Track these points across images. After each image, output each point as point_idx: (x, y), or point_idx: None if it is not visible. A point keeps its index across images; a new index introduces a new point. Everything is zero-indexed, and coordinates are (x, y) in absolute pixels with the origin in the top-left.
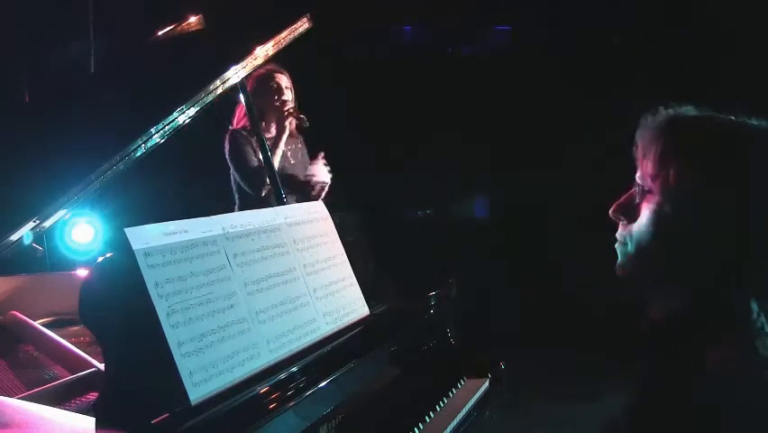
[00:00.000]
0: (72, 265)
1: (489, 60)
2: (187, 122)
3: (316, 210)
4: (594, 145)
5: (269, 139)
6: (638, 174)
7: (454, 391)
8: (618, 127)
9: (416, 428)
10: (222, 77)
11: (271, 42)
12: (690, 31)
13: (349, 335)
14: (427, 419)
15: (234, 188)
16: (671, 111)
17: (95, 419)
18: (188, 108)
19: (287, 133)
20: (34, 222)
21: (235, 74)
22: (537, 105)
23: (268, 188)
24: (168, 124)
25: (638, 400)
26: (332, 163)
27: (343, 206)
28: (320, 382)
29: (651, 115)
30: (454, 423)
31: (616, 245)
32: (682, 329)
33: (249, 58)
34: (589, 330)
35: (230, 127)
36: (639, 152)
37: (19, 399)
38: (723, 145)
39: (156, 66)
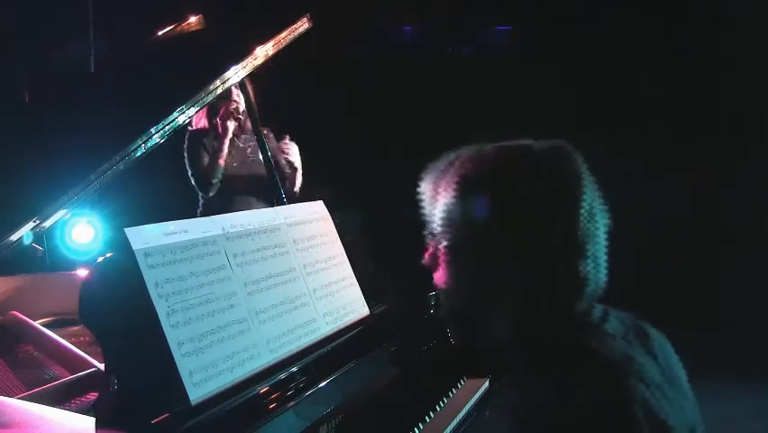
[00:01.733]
0: (72, 265)
1: (489, 60)
2: (186, 122)
3: (316, 210)
4: (594, 145)
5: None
6: (427, 218)
7: (454, 391)
8: (618, 127)
9: (415, 428)
10: (222, 77)
11: (271, 42)
12: (690, 31)
13: (349, 335)
14: (427, 419)
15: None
16: (451, 154)
17: (95, 419)
18: (188, 108)
19: (229, 133)
20: (34, 222)
21: (235, 74)
22: (537, 106)
23: (215, 188)
24: (168, 124)
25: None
26: (332, 163)
27: (343, 206)
28: (320, 382)
29: (433, 162)
30: (454, 423)
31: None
32: (510, 357)
33: (249, 58)
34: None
35: (189, 128)
36: (425, 200)
37: (19, 399)
38: (495, 172)
39: (156, 66)
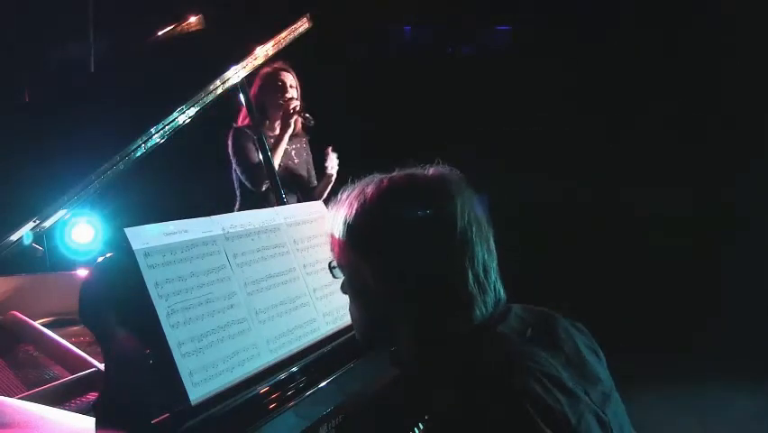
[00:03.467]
0: (72, 265)
1: (489, 60)
2: (186, 122)
3: (316, 210)
4: (594, 145)
5: (272, 137)
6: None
7: None
8: (618, 128)
9: (415, 428)
10: (222, 77)
11: (271, 42)
12: (690, 30)
13: (349, 335)
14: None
15: (236, 185)
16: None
17: (95, 419)
18: (188, 108)
19: (290, 131)
20: (34, 222)
21: (235, 74)
22: (537, 106)
23: (267, 184)
24: (168, 124)
25: None
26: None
27: None
28: (320, 382)
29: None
30: None
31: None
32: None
33: (249, 58)
34: (589, 330)
35: (234, 125)
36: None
37: (19, 399)
38: (367, 208)
39: (156, 66)
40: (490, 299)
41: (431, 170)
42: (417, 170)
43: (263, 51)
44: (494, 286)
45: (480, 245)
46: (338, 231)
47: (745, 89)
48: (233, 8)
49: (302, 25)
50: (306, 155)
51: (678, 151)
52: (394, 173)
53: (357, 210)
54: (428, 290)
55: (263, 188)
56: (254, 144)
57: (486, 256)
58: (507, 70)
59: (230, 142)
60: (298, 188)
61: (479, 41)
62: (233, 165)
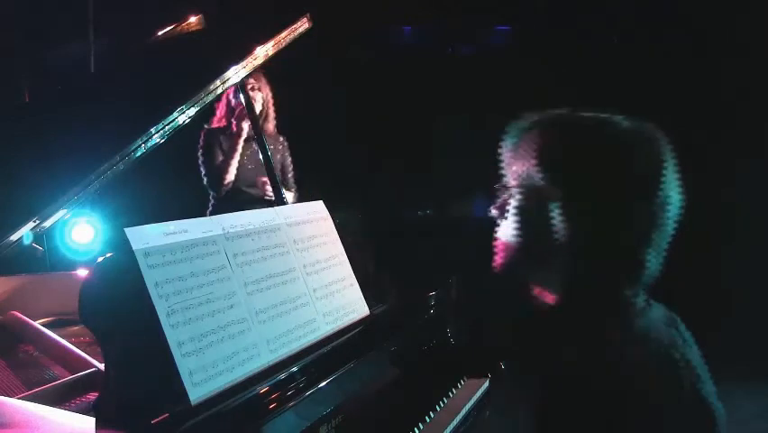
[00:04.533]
0: (72, 265)
1: (489, 60)
2: (186, 122)
3: (316, 210)
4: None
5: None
6: (502, 172)
7: (454, 391)
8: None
9: (415, 428)
10: (222, 77)
11: (271, 42)
12: (690, 30)
13: (349, 335)
14: (427, 419)
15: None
16: (534, 115)
17: (95, 419)
18: (188, 108)
19: (243, 134)
20: (34, 222)
21: (235, 74)
22: (537, 106)
23: (227, 187)
24: (168, 124)
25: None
26: (332, 163)
27: (343, 206)
28: (320, 382)
29: (516, 120)
30: (454, 423)
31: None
32: (562, 319)
33: (249, 58)
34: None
35: (205, 126)
36: (504, 155)
37: (19, 399)
38: (572, 143)
39: (156, 66)
40: (651, 276)
41: (634, 122)
42: (622, 120)
43: (263, 51)
44: (659, 265)
45: (670, 218)
46: (529, 157)
47: (744, 89)
48: (233, 8)
49: (302, 25)
50: (281, 157)
51: (678, 150)
52: (595, 115)
53: (559, 145)
54: (613, 241)
55: (222, 193)
56: (221, 147)
57: (668, 231)
58: (507, 70)
59: (200, 144)
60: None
61: (479, 41)
62: (200, 166)
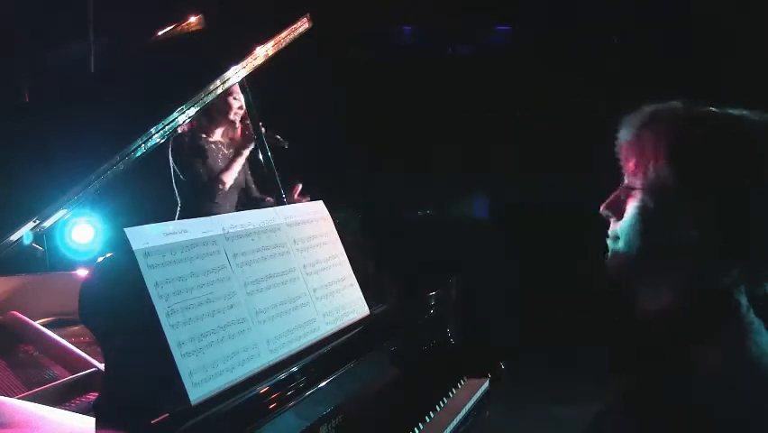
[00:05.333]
0: (72, 265)
1: (489, 60)
2: (186, 122)
3: (316, 210)
4: (595, 145)
5: (214, 142)
6: (624, 172)
7: (454, 391)
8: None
9: (415, 428)
10: (222, 77)
11: (271, 42)
12: (690, 30)
13: (349, 335)
14: (427, 419)
15: (176, 190)
16: (652, 107)
17: (95, 419)
18: (188, 108)
19: (248, 151)
20: (34, 222)
21: (235, 74)
22: (537, 106)
23: (222, 191)
24: (168, 124)
25: (624, 399)
26: (332, 163)
27: (344, 206)
28: (320, 382)
29: (634, 113)
30: (454, 423)
31: (607, 241)
32: (671, 326)
33: (249, 58)
34: (590, 330)
35: (180, 131)
36: (623, 150)
37: (19, 399)
38: (706, 140)
39: (156, 66)
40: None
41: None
42: (747, 114)
43: (263, 51)
44: None
45: None
46: (666, 156)
47: (744, 89)
48: (233, 8)
49: (302, 25)
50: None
51: None
52: (720, 111)
53: (706, 149)
54: (742, 252)
55: (216, 199)
56: (221, 151)
57: None
58: (507, 70)
59: (176, 149)
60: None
61: (479, 41)
62: (176, 171)
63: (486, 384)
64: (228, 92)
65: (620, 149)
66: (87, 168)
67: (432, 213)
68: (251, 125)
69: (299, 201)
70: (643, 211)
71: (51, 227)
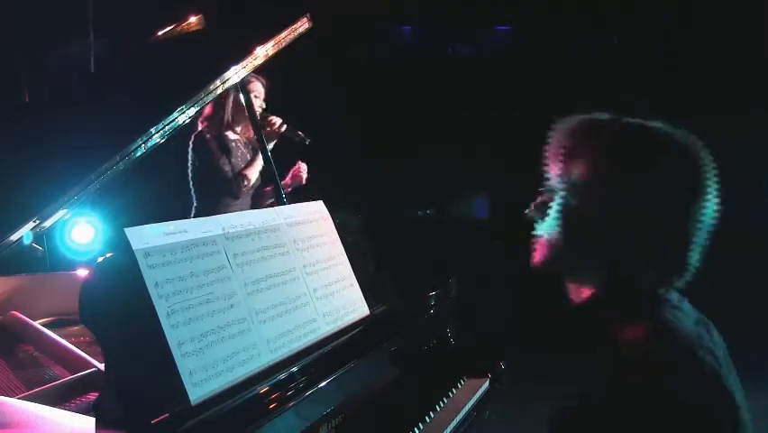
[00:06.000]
0: (72, 265)
1: (489, 60)
2: (186, 122)
3: (316, 210)
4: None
5: (233, 140)
6: (549, 175)
7: (454, 391)
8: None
9: (415, 428)
10: (222, 77)
11: (271, 42)
12: (690, 30)
13: (349, 335)
14: (427, 419)
15: (193, 189)
16: (579, 117)
17: (95, 419)
18: (188, 108)
19: (270, 146)
20: (34, 222)
21: (235, 74)
22: (537, 106)
23: (246, 188)
24: (168, 124)
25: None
26: (332, 163)
27: (344, 206)
28: (320, 382)
29: (560, 121)
30: (454, 423)
31: (532, 238)
32: (597, 314)
33: (249, 58)
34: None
35: (200, 128)
36: (549, 155)
37: (19, 399)
38: (622, 144)
39: (156, 66)
40: (691, 274)
41: (680, 132)
42: (668, 128)
43: (263, 51)
44: (696, 264)
45: (709, 220)
46: (581, 161)
47: (745, 89)
48: (233, 8)
49: (302, 25)
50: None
51: None
52: (643, 124)
53: (612, 151)
54: (657, 248)
55: (239, 197)
56: (239, 151)
57: (705, 234)
58: (507, 70)
59: (199, 147)
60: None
61: (479, 41)
62: (197, 169)
63: (486, 384)
64: (248, 90)
65: (547, 154)
66: (87, 168)
67: (432, 213)
68: (272, 122)
69: (298, 178)
70: (564, 212)
71: (51, 227)
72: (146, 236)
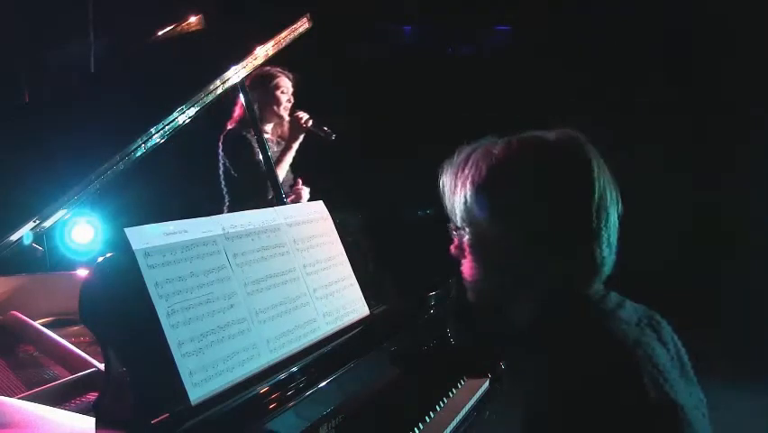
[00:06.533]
0: (72, 265)
1: (489, 60)
2: (186, 122)
3: (316, 210)
4: (594, 145)
5: (270, 141)
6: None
7: (454, 391)
8: (618, 126)
9: (415, 428)
10: (222, 77)
11: (271, 42)
12: (690, 30)
13: (349, 335)
14: (427, 419)
15: (225, 188)
16: (465, 149)
17: (95, 419)
18: (188, 108)
19: (297, 144)
20: (34, 222)
21: (235, 74)
22: (537, 106)
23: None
24: (168, 124)
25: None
26: (332, 163)
27: (344, 206)
28: (320, 382)
29: (448, 160)
30: (454, 423)
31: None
32: (533, 336)
33: (249, 58)
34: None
35: (229, 127)
36: (444, 195)
37: (19, 399)
38: (499, 162)
39: (156, 66)
40: (608, 270)
41: (557, 132)
42: (543, 132)
43: (263, 51)
44: (613, 259)
45: (612, 212)
46: (464, 191)
47: (745, 89)
48: (233, 8)
49: (302, 25)
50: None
51: (679, 149)
52: (520, 136)
53: (488, 171)
54: (564, 251)
55: (269, 196)
56: (252, 147)
57: (614, 225)
58: (507, 70)
59: (225, 145)
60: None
61: (479, 41)
62: (227, 167)
63: (486, 384)
64: (276, 86)
65: (444, 194)
66: (87, 168)
67: (432, 213)
68: (299, 117)
69: (300, 192)
70: (474, 249)
71: (51, 227)
72: (146, 236)
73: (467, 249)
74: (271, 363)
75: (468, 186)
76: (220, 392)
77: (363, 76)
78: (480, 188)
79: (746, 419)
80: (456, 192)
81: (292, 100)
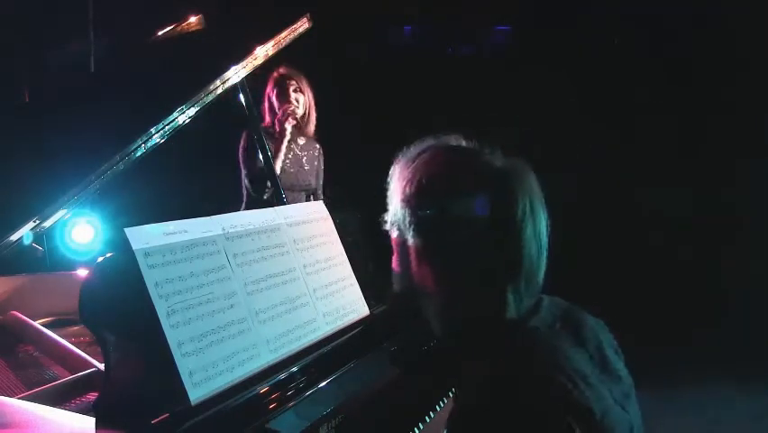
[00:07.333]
0: (72, 265)
1: (489, 60)
2: (186, 122)
3: (316, 210)
4: (594, 145)
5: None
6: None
7: (455, 391)
8: (618, 127)
9: (415, 428)
10: (222, 77)
11: (271, 42)
12: (690, 30)
13: (349, 335)
14: (427, 419)
15: (245, 187)
16: (412, 148)
17: (95, 419)
18: (188, 108)
19: (286, 137)
20: (34, 222)
21: (235, 74)
22: (537, 106)
23: (270, 191)
24: (168, 124)
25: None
26: (332, 163)
27: (344, 206)
28: (320, 382)
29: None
30: None
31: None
32: (454, 345)
33: (249, 58)
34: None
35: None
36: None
37: (19, 399)
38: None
39: (156, 66)
40: (532, 291)
41: (494, 158)
42: (480, 154)
43: (263, 51)
44: (538, 280)
45: (534, 241)
46: (398, 195)
47: (745, 88)
48: (233, 8)
49: (302, 25)
50: (317, 164)
51: (678, 149)
52: (453, 152)
53: (413, 191)
54: (478, 276)
55: (265, 196)
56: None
57: (535, 251)
58: (507, 70)
59: (242, 143)
60: (306, 194)
61: (479, 41)
62: (248, 168)
63: None
64: (290, 85)
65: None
66: (87, 168)
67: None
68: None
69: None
70: (398, 253)
71: (51, 227)
72: (146, 236)
73: (394, 245)
74: (271, 363)
75: (398, 192)
76: (220, 392)
77: (363, 76)
78: (408, 199)
79: (748, 421)
80: (396, 190)
81: (309, 101)
